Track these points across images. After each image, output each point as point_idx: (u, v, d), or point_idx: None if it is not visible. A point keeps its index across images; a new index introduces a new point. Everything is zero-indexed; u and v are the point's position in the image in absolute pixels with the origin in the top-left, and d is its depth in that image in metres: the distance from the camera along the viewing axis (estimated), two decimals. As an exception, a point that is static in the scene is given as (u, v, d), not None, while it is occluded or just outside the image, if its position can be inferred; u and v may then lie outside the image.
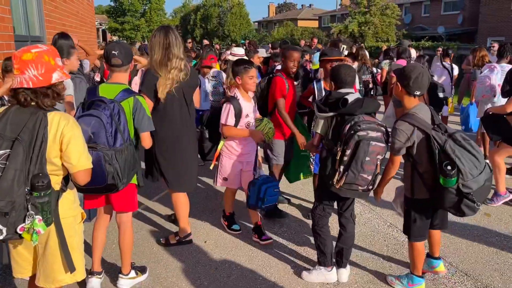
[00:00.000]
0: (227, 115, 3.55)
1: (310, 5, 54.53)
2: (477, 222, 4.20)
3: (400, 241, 3.85)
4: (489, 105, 5.22)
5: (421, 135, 2.73)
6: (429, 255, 3.25)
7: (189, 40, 16.37)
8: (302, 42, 16.48)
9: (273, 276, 3.32)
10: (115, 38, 41.88)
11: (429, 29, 29.71)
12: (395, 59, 7.76)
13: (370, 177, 2.79)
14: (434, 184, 2.75)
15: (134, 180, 2.95)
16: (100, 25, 35.19)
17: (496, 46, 11.01)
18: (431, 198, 2.84)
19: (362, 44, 19.30)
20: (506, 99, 4.60)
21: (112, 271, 3.32)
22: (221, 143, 3.75)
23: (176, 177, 3.51)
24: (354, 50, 10.75)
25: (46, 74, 2.03)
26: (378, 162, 2.77)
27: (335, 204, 3.22)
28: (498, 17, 25.77)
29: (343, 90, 3.00)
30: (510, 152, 4.66)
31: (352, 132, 2.71)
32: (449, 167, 2.59)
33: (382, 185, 3.07)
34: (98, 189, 2.62)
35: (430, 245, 3.25)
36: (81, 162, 2.12)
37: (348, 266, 3.25)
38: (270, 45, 10.24)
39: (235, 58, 5.93)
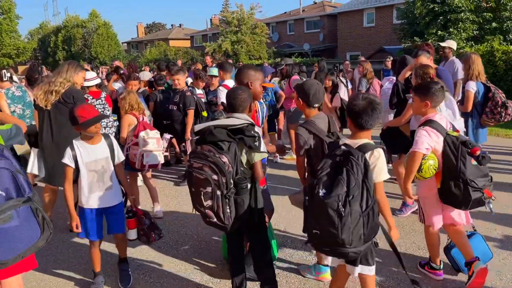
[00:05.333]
0: None
1: (180, 24, 54.31)
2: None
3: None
4: (392, 115, 5.26)
5: (317, 139, 2.93)
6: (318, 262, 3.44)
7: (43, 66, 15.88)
8: (179, 62, 16.06)
9: None
10: (-44, 64, 36.12)
11: (296, 46, 31.81)
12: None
13: (208, 211, 2.56)
14: None
15: None
16: None
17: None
18: None
19: (241, 63, 19.65)
20: (394, 111, 4.81)
21: None
22: None
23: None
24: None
25: None
26: (202, 196, 2.54)
27: None
28: (354, 33, 28.76)
29: (235, 115, 2.84)
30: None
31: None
32: None
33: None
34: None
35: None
36: None
37: None
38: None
39: (87, 83, 5.39)
